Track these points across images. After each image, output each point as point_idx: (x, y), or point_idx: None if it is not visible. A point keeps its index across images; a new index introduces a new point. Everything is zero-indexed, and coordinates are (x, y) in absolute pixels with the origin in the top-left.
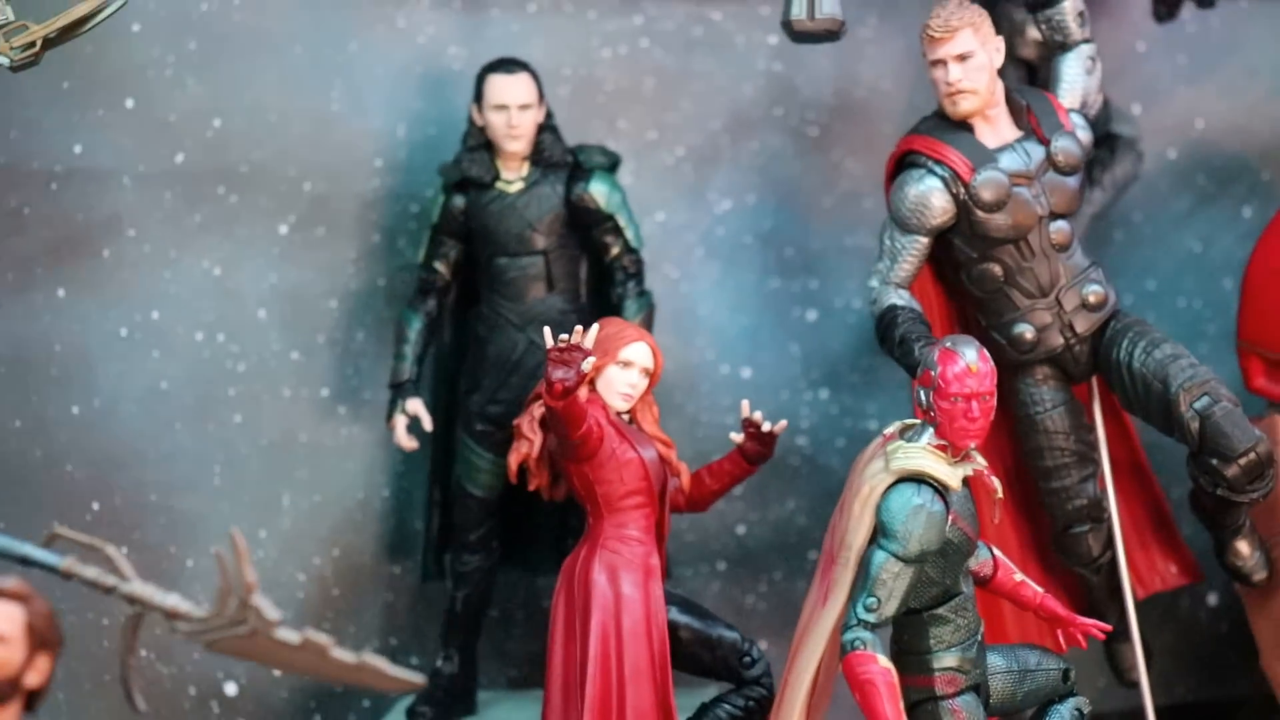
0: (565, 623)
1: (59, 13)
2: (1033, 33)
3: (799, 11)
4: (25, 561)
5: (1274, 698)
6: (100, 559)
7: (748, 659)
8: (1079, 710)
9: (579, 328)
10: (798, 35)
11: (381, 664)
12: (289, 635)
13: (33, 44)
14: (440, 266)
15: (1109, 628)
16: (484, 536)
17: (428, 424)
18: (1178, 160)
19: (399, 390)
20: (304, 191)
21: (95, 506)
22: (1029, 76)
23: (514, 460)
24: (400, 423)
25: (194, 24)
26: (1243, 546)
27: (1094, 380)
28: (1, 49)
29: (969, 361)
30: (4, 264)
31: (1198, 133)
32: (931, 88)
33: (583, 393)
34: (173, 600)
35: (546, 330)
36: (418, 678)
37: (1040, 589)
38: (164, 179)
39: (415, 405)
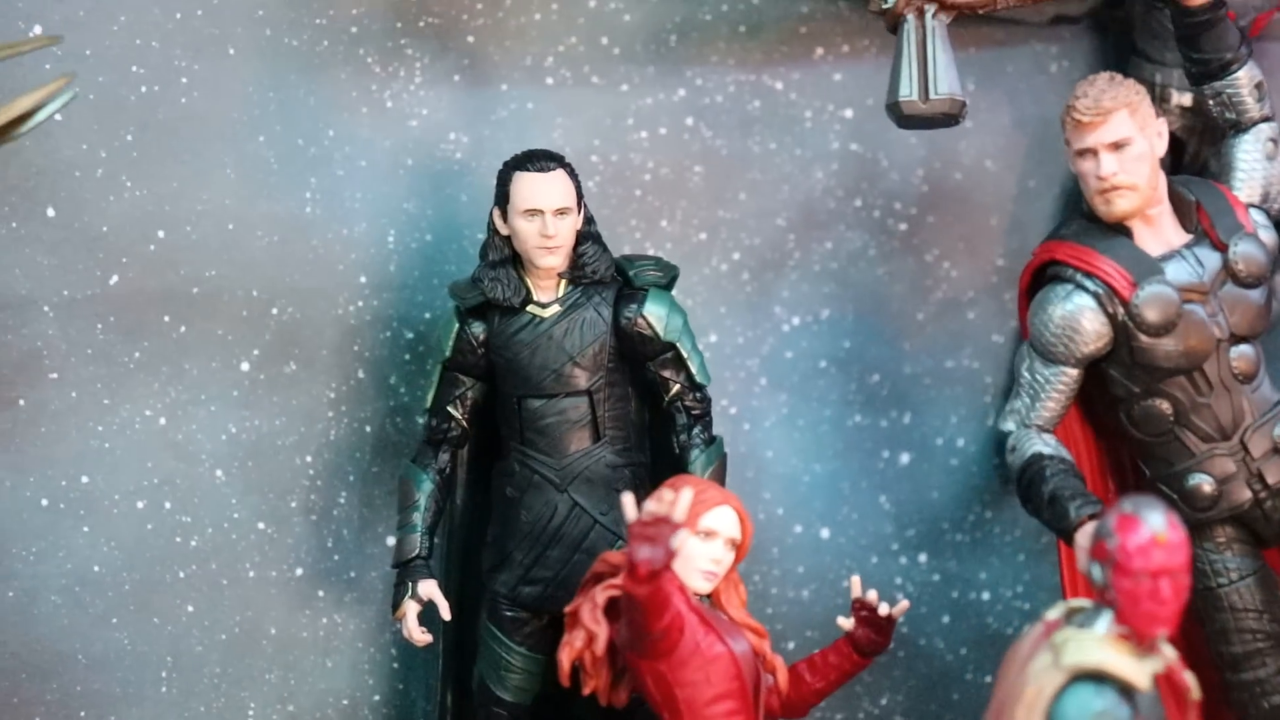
0: None
1: None
2: (1179, 98)
3: (909, 91)
4: None
5: None
6: None
7: None
8: None
9: (667, 494)
10: (907, 120)
11: None
12: None
13: None
14: (454, 411)
15: None
16: None
17: (445, 613)
18: None
19: (407, 570)
20: (270, 317)
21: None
22: (1173, 159)
23: (567, 658)
24: (411, 611)
25: (131, 111)
26: None
27: None
28: None
29: (1156, 530)
30: None
31: None
32: (1077, 180)
33: None
34: None
35: (627, 499)
36: None
37: None
38: (94, 306)
39: (429, 588)
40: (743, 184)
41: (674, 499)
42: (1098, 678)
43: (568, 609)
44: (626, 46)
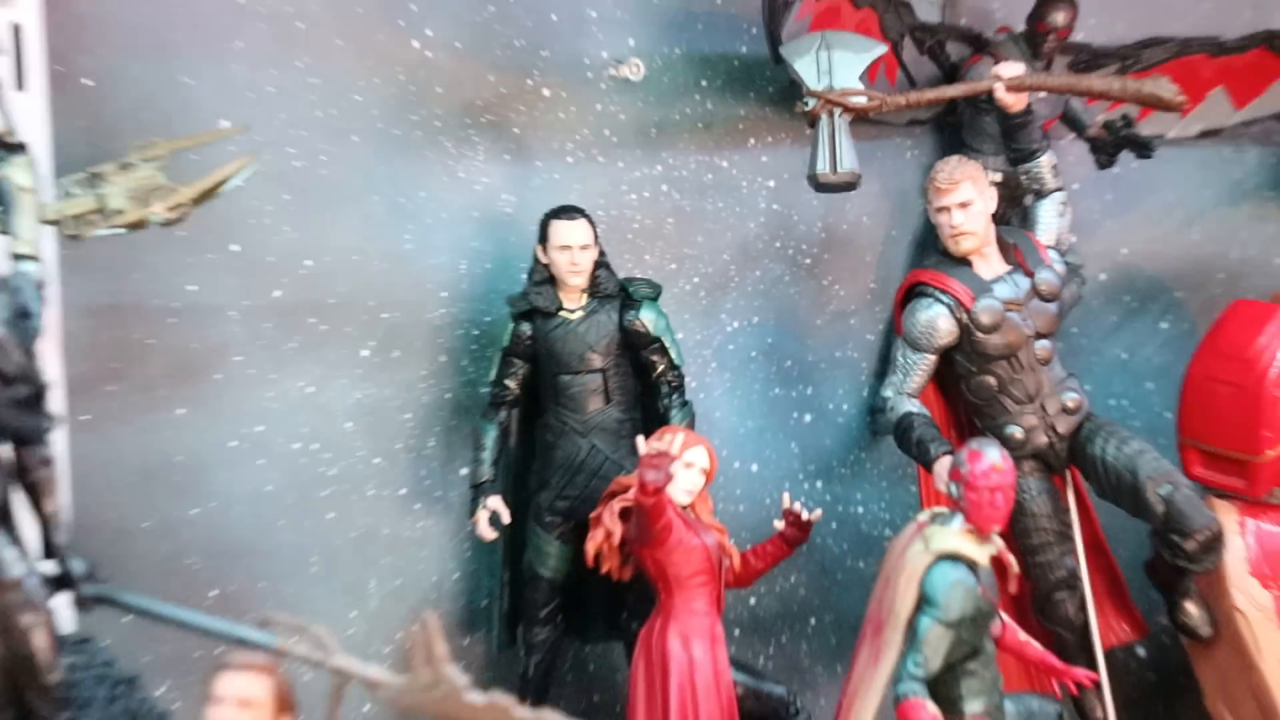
0: (646, 683)
1: (200, 176)
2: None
3: (823, 167)
4: (243, 642)
5: None
6: (309, 638)
7: (793, 708)
8: None
9: (666, 436)
10: (821, 186)
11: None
12: (476, 698)
13: (181, 204)
14: (510, 383)
15: (1097, 677)
16: (551, 612)
17: (506, 517)
18: (1107, 282)
19: (479, 489)
20: (382, 320)
21: (214, 593)
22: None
23: (592, 547)
24: (482, 517)
25: (288, 178)
26: (1191, 607)
27: (1069, 472)
28: (157, 209)
29: (994, 460)
30: (132, 388)
31: (1123, 258)
32: (928, 230)
33: None
34: (373, 671)
35: (639, 440)
36: None
37: (1040, 646)
38: (264, 312)
39: (495, 502)
40: (700, 230)
41: (671, 440)
42: (954, 558)
43: (591, 515)
44: (621, 137)
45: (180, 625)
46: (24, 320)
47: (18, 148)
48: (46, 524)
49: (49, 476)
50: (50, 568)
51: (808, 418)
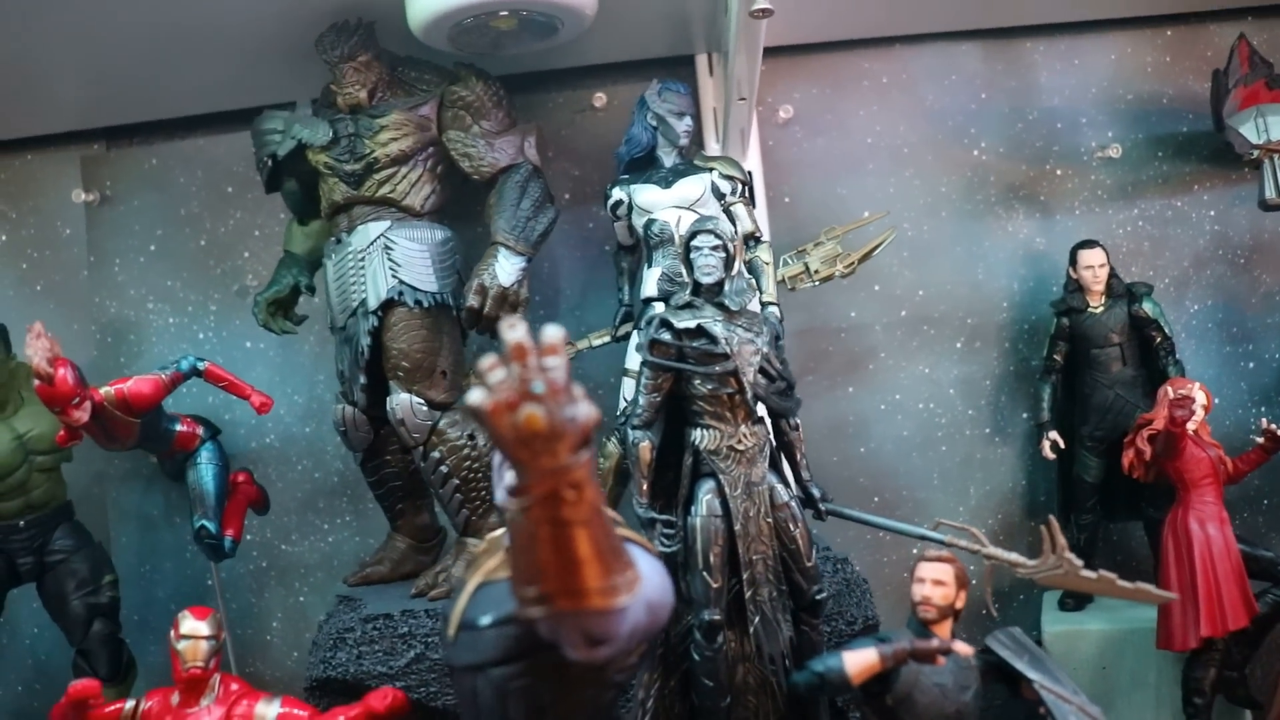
0: (1175, 555)
1: (860, 247)
2: None
3: (1271, 194)
4: (924, 539)
5: None
6: (967, 535)
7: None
8: None
9: (1192, 386)
10: (1268, 207)
11: (1147, 587)
12: (1088, 574)
13: (853, 264)
14: (1057, 356)
15: None
16: (1093, 505)
17: (1061, 444)
18: None
19: (1042, 426)
20: (968, 324)
21: (875, 500)
22: None
23: (1126, 461)
24: (1045, 444)
25: (905, 242)
26: None
27: None
28: (839, 269)
29: None
30: (820, 377)
31: None
32: None
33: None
34: (1014, 556)
35: (1168, 386)
36: (1166, 595)
37: None
38: (896, 325)
39: (1054, 434)
40: (1166, 248)
41: (1190, 389)
42: None
43: (1127, 439)
44: (1109, 195)
45: (886, 529)
46: (777, 342)
47: (761, 240)
48: (795, 466)
49: (798, 437)
50: (798, 491)
51: (1251, 365)
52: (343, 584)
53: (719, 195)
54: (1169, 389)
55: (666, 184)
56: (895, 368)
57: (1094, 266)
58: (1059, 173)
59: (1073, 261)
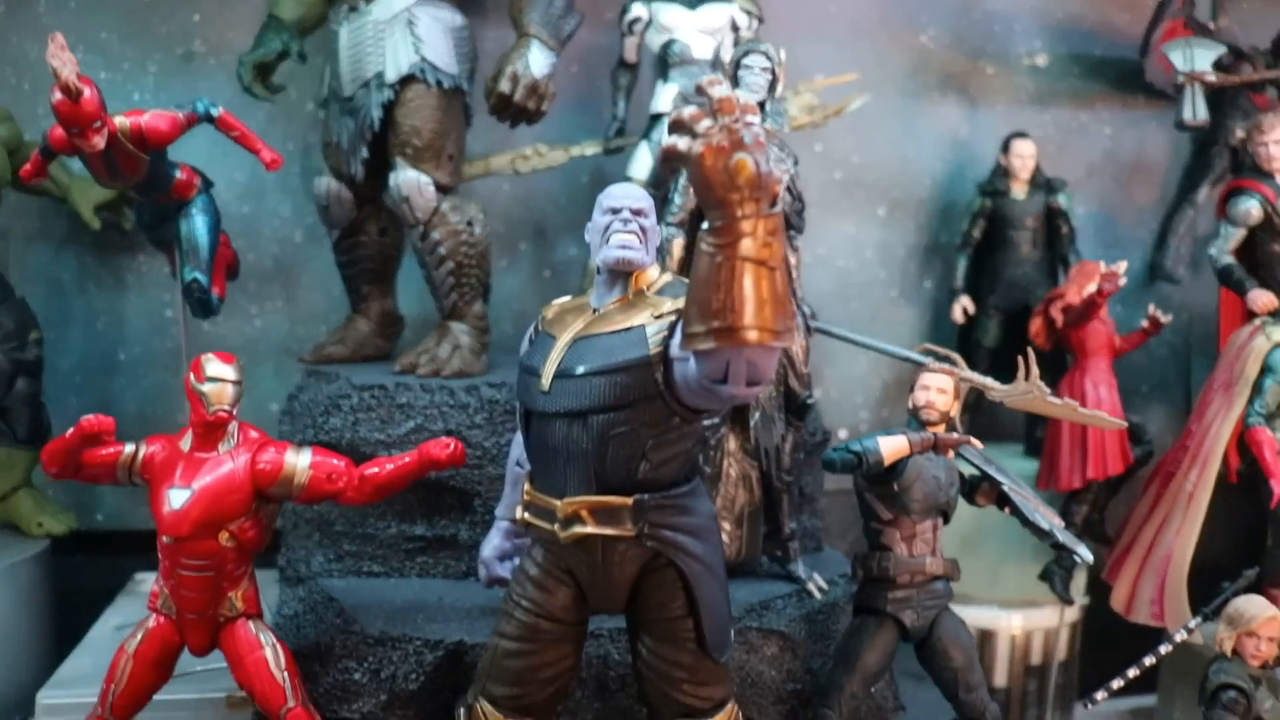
0: None
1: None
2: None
3: (1187, 115)
4: (910, 360)
5: None
6: (949, 358)
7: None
8: None
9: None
10: (1184, 128)
11: (1102, 414)
12: (1054, 400)
13: (827, 116)
14: (975, 233)
15: None
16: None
17: (971, 309)
18: None
19: (955, 292)
20: (890, 195)
21: None
22: None
23: (1034, 327)
24: (957, 308)
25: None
26: None
27: None
28: (817, 117)
29: None
30: None
31: None
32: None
33: None
34: (989, 381)
35: (1085, 265)
36: (1117, 422)
37: None
38: (829, 186)
39: (966, 300)
40: (1082, 146)
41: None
42: None
43: (1036, 309)
44: (1032, 98)
45: (872, 349)
46: (795, 165)
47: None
48: (790, 283)
49: (797, 259)
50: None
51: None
52: (301, 361)
53: (734, 28)
54: (1087, 266)
55: (692, 6)
56: (823, 224)
57: (1024, 156)
58: (989, 70)
59: (1005, 149)
